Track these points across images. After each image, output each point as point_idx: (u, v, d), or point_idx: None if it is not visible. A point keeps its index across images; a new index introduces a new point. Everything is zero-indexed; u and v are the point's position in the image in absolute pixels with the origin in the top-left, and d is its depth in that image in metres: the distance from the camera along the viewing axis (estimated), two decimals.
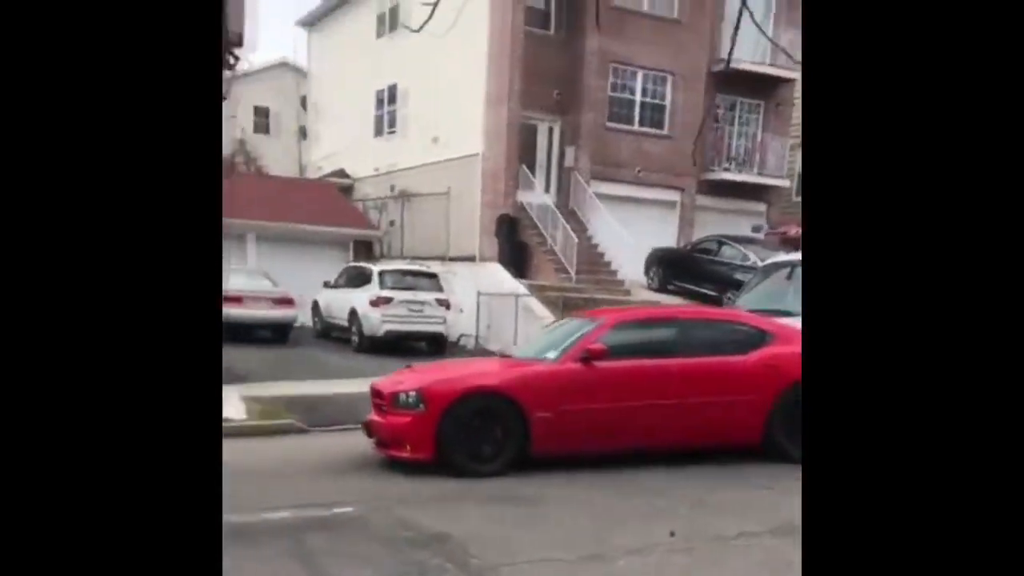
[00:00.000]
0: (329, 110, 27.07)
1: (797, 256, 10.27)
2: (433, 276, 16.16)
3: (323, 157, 27.05)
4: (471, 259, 19.76)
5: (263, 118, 38.98)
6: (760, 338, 7.78)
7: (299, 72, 38.44)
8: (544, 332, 8.98)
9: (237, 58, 10.38)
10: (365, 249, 21.08)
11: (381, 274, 15.66)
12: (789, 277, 10.07)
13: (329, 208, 21.71)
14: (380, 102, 24.43)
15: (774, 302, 9.40)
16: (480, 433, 6.88)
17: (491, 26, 19.37)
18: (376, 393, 7.49)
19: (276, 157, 30.55)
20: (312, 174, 27.29)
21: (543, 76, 19.99)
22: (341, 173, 25.84)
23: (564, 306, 15.06)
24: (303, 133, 30.69)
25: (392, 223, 22.67)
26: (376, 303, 15.07)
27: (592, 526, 5.50)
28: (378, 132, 24.65)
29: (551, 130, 20.99)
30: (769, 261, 11.64)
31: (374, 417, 7.42)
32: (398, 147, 23.43)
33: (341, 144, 26.04)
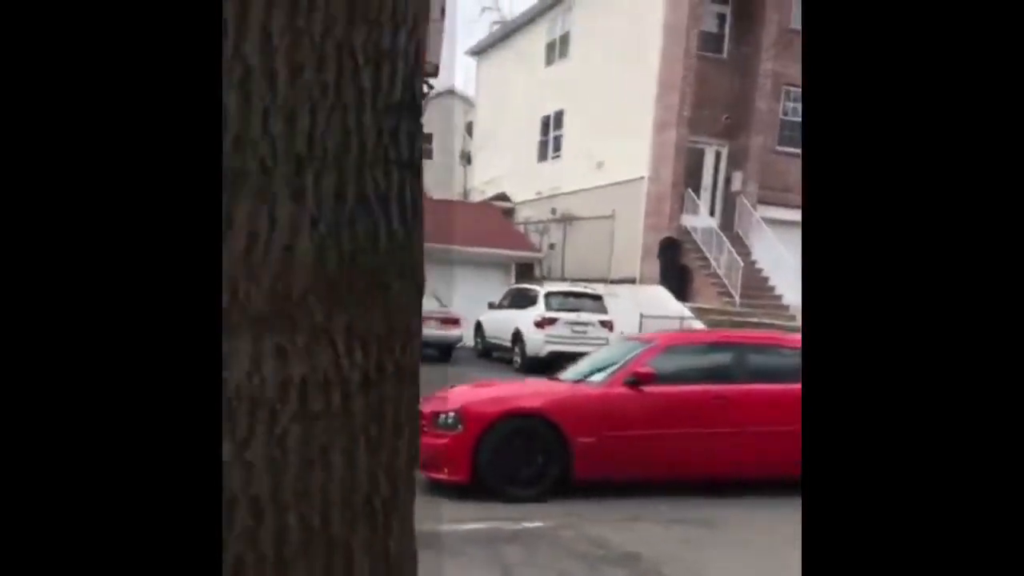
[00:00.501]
0: (494, 136, 27.84)
1: None
2: (597, 298, 16.25)
3: (486, 181, 27.82)
4: (631, 281, 19.74)
5: (427, 144, 40.76)
6: None
7: (465, 100, 39.92)
8: (596, 353, 8.66)
9: (432, 87, 10.95)
10: (527, 271, 21.45)
11: (547, 295, 15.89)
12: None
13: (493, 230, 22.26)
14: (545, 127, 24.95)
15: None
16: (519, 456, 6.64)
17: (663, 52, 19.44)
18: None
19: (437, 181, 31.63)
20: (475, 198, 28.09)
21: (713, 100, 19.84)
22: (503, 196, 26.50)
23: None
24: (467, 158, 31.67)
25: (552, 246, 23.00)
26: (541, 324, 15.29)
27: (778, 548, 5.36)
28: (542, 157, 25.15)
29: (718, 154, 20.73)
30: None
31: None
32: (561, 171, 23.81)
33: (504, 169, 26.73)
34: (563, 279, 20.91)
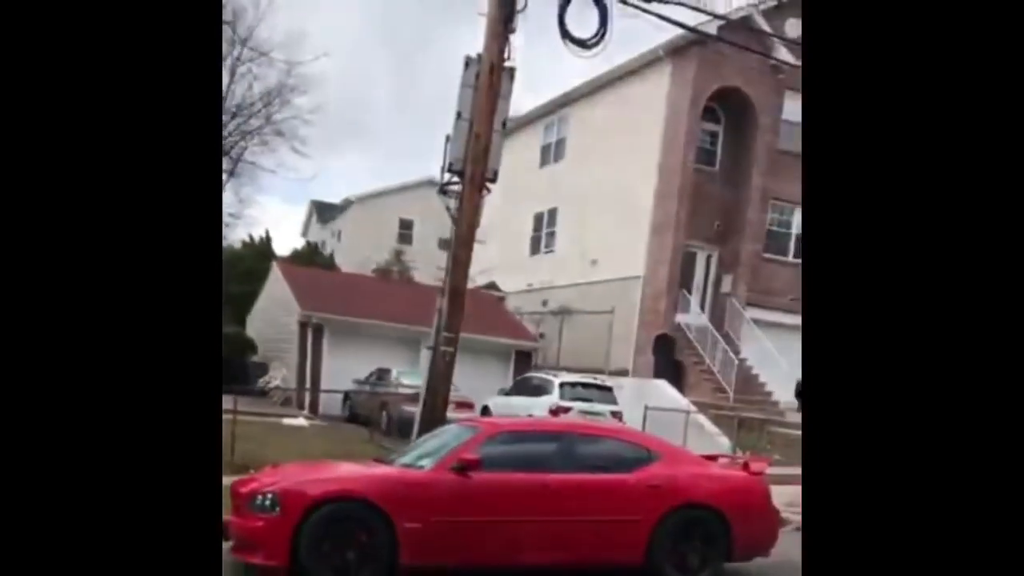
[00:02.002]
0: (485, 228, 28.89)
1: None
2: (608, 389, 17.04)
3: (478, 272, 28.74)
4: (624, 374, 20.61)
5: (407, 230, 41.79)
6: (646, 457, 7.55)
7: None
8: (426, 440, 8.52)
9: (490, 191, 11.79)
10: (524, 359, 22.21)
11: (562, 385, 16.64)
12: None
13: (492, 318, 23.06)
14: (539, 224, 26.18)
15: None
16: (342, 541, 6.36)
17: (661, 163, 20.90)
18: (234, 492, 6.82)
19: (429, 268, 32.49)
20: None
21: (705, 207, 21.27)
22: (493, 286, 27.41)
23: (740, 427, 15.65)
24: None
25: (542, 335, 23.87)
26: (556, 412, 15.99)
27: None
28: (534, 251, 26.31)
29: (709, 257, 22.08)
30: None
31: (232, 517, 6.71)
32: (553, 266, 24.91)
33: (495, 260, 27.73)
34: (558, 369, 21.73)
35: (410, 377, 17.97)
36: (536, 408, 16.66)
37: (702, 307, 21.77)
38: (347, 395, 19.14)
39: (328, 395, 19.00)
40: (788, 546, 7.59)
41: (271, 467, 7.75)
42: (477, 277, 28.86)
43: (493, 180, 12.00)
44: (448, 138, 11.99)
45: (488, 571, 6.80)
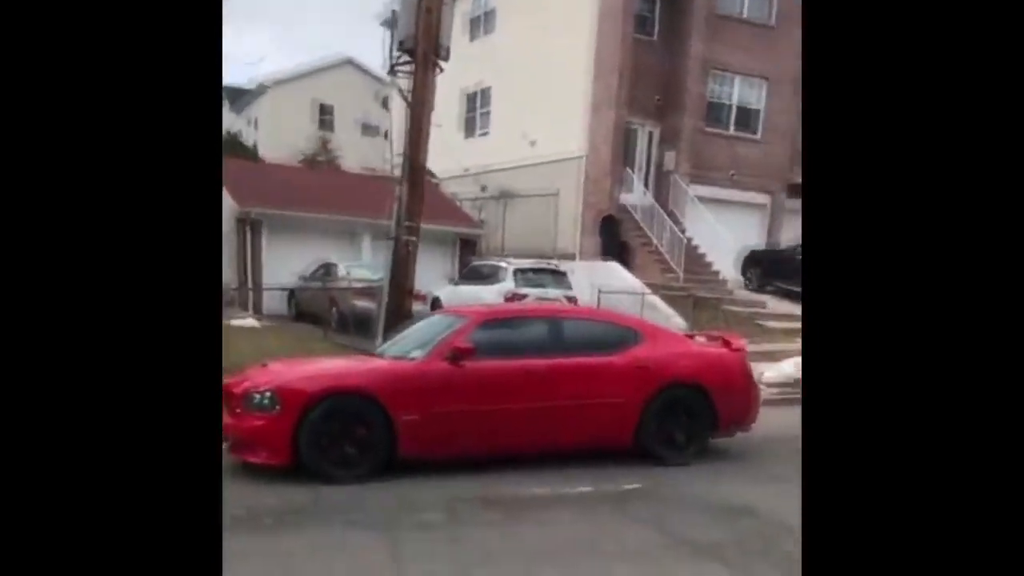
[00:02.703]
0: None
1: None
2: (562, 274, 16.80)
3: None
4: (571, 257, 20.40)
5: (328, 115, 40.01)
6: (631, 337, 7.55)
7: (364, 71, 39.32)
8: (410, 328, 8.46)
9: (442, 69, 11.05)
10: (469, 247, 21.75)
11: (515, 271, 16.30)
12: None
13: (432, 206, 22.36)
14: (471, 103, 25.14)
15: None
16: (342, 436, 6.33)
17: (599, 33, 20.03)
18: (227, 393, 6.61)
19: (360, 156, 31.35)
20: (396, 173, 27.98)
21: (644, 81, 20.66)
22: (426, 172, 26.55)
23: (695, 306, 15.66)
24: (377, 132, 31.46)
25: (483, 221, 23.34)
26: (510, 299, 15.72)
27: None
28: (468, 133, 25.35)
29: (651, 134, 21.64)
30: None
31: (226, 419, 6.52)
32: (490, 148, 24.11)
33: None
34: (503, 255, 21.36)
35: (361, 271, 17.38)
36: (489, 296, 16.34)
37: (646, 186, 21.50)
38: (292, 292, 18.46)
39: (271, 294, 18.27)
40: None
41: (260, 366, 7.53)
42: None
43: (445, 58, 11.23)
44: (395, 14, 11.08)
45: (483, 459, 6.79)
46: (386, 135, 30.85)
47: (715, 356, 7.89)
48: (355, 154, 34.31)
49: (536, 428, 6.98)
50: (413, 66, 10.79)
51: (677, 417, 7.32)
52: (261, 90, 39.98)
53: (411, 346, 7.42)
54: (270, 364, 7.59)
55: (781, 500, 6.08)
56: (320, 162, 31.12)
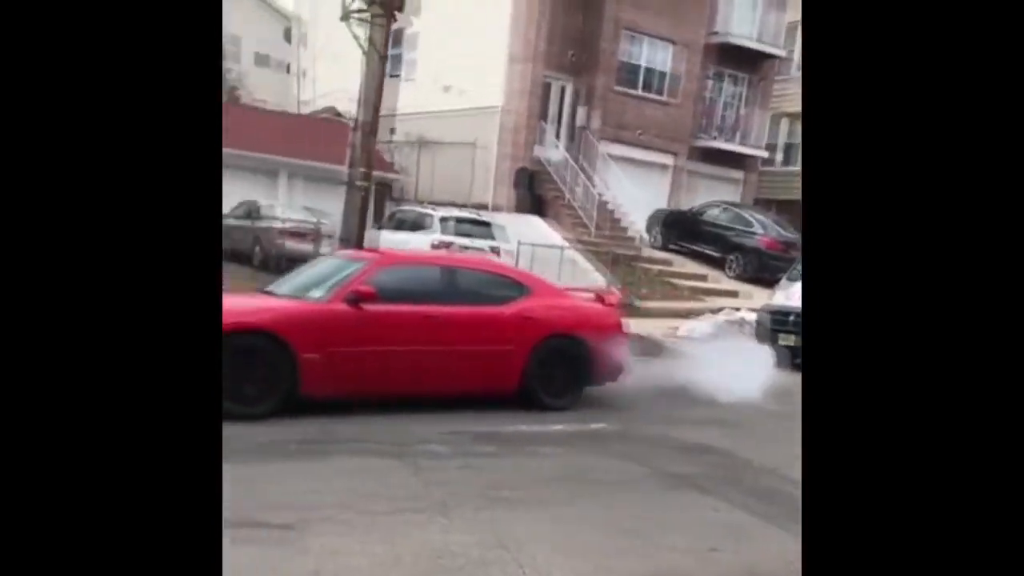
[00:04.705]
0: (324, 48, 27.23)
1: None
2: (487, 225, 17.22)
3: (320, 95, 27.30)
4: (484, 207, 20.88)
5: (233, 46, 38.40)
6: (519, 290, 8.02)
7: (267, 2, 37.85)
8: (308, 269, 8.55)
9: (396, 19, 11.19)
10: (384, 192, 21.84)
11: (443, 219, 16.65)
12: None
13: (344, 148, 22.26)
14: (399, 48, 24.90)
15: None
16: (242, 374, 6.29)
17: None
18: None
19: (265, 91, 30.47)
20: (304, 112, 27.52)
21: (559, 37, 21.16)
22: (332, 111, 26.18)
23: (613, 262, 16.48)
24: (289, 69, 30.67)
25: (399, 166, 23.44)
26: (438, 247, 16.10)
27: None
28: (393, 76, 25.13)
29: (564, 89, 22.21)
30: None
31: None
32: (404, 92, 24.05)
33: (335, 83, 26.34)
34: (418, 202, 21.58)
35: (289, 211, 17.32)
36: (415, 243, 16.67)
37: (559, 139, 22.14)
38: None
39: None
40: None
41: None
42: (318, 100, 27.48)
43: (400, 9, 11.40)
44: None
45: (379, 402, 7.03)
46: (288, 69, 30.12)
47: (593, 310, 8.45)
48: (257, 89, 33.28)
49: (432, 372, 7.31)
50: (371, 14, 10.91)
51: (557, 367, 7.80)
52: None
53: (308, 286, 7.55)
54: None
55: (728, 441, 7.02)
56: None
